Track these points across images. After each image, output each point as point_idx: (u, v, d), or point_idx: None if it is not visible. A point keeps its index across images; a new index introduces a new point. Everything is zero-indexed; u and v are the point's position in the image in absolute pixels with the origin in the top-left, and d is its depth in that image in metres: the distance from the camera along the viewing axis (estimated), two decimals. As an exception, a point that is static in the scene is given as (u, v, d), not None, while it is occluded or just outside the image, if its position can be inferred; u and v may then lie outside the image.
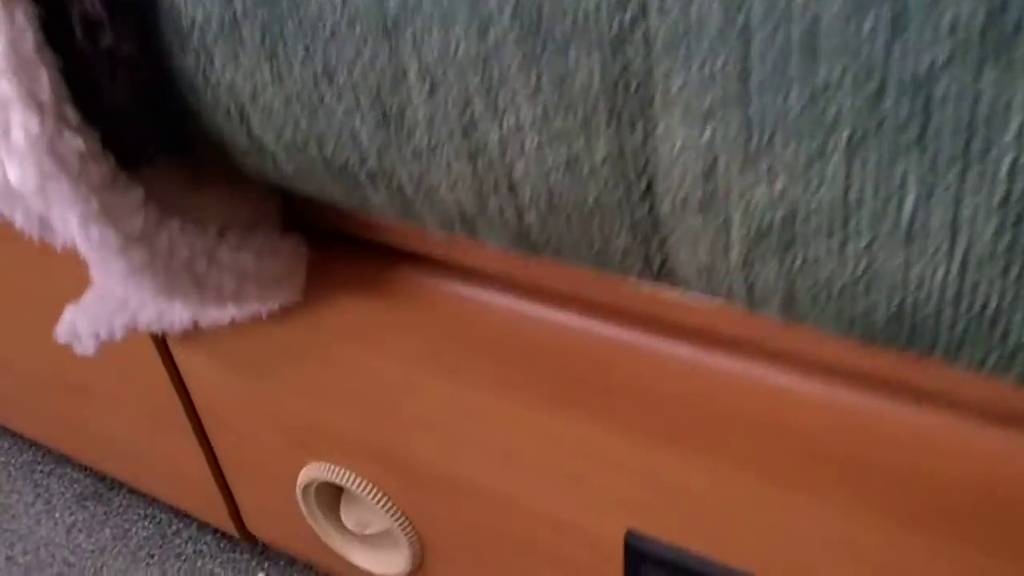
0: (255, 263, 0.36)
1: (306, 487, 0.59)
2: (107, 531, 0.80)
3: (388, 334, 0.45)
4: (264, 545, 0.77)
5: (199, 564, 0.76)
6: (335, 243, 0.43)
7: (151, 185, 0.31)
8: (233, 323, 0.47)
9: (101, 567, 0.77)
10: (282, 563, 0.75)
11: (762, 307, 0.24)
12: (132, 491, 0.84)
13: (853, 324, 0.23)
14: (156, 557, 0.77)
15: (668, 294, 0.34)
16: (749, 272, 0.23)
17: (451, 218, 0.28)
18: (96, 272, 0.38)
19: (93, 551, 0.78)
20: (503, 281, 0.40)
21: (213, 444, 0.64)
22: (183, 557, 0.77)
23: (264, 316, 0.43)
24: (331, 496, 0.61)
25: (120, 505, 0.83)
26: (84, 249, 0.29)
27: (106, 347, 0.51)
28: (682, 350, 0.36)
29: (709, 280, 0.25)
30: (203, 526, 0.79)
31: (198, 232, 0.33)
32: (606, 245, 0.25)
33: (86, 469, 0.87)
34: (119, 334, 0.47)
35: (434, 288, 0.42)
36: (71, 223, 0.28)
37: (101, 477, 0.86)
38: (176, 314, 0.45)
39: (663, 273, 0.25)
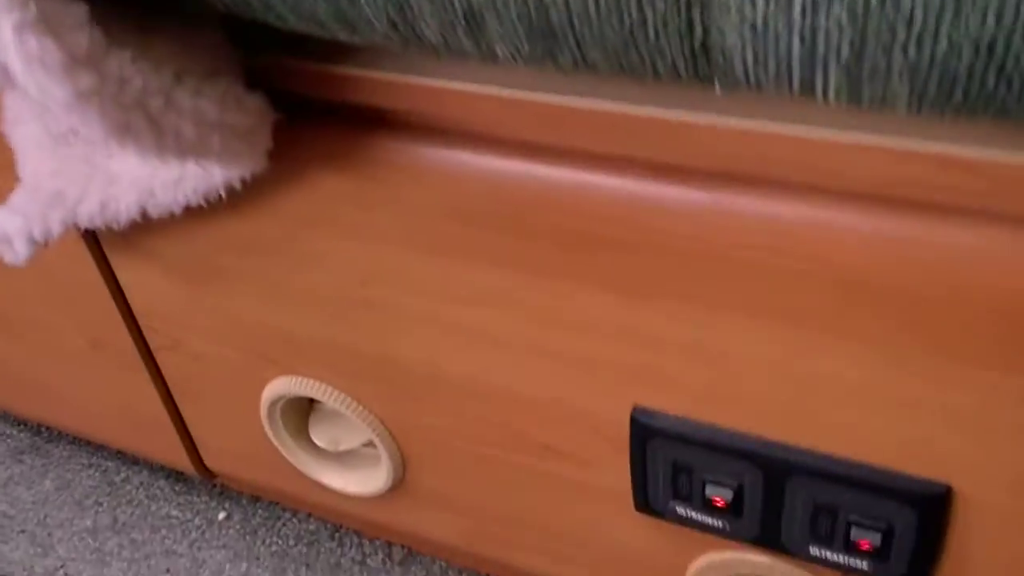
0: (218, 112, 0.32)
1: (272, 406, 0.55)
2: (47, 483, 0.75)
3: (359, 214, 0.41)
4: (223, 486, 0.73)
5: (153, 508, 0.72)
6: (300, 114, 0.40)
7: (99, 19, 0.27)
8: (185, 214, 0.43)
9: (44, 517, 0.72)
10: (244, 502, 0.71)
11: (821, 71, 0.22)
12: (74, 441, 0.79)
13: (930, 74, 0.21)
14: (104, 505, 0.73)
15: (696, 97, 0.31)
16: (813, 21, 0.20)
17: (454, 17, 0.25)
18: (36, 124, 0.34)
19: (34, 503, 0.73)
20: (486, 140, 0.37)
21: (163, 370, 0.60)
22: (134, 503, 0.73)
23: (222, 194, 0.39)
24: (299, 416, 0.57)
25: (61, 457, 0.78)
26: (22, 74, 0.25)
27: (34, 269, 0.46)
28: (692, 195, 0.34)
29: (759, 45, 0.22)
30: (155, 471, 0.75)
31: (152, 69, 0.29)
32: (641, 16, 0.22)
33: (20, 424, 0.81)
34: (56, 231, 0.42)
35: (409, 155, 0.39)
36: (5, 33, 0.24)
37: (37, 431, 0.80)
38: (122, 201, 0.41)
39: (705, 47, 0.23)
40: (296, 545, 0.67)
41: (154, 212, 0.41)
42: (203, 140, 0.31)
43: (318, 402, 0.58)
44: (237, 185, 0.38)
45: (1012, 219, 0.29)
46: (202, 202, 0.40)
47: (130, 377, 0.61)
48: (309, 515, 0.69)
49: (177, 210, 0.41)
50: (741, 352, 0.36)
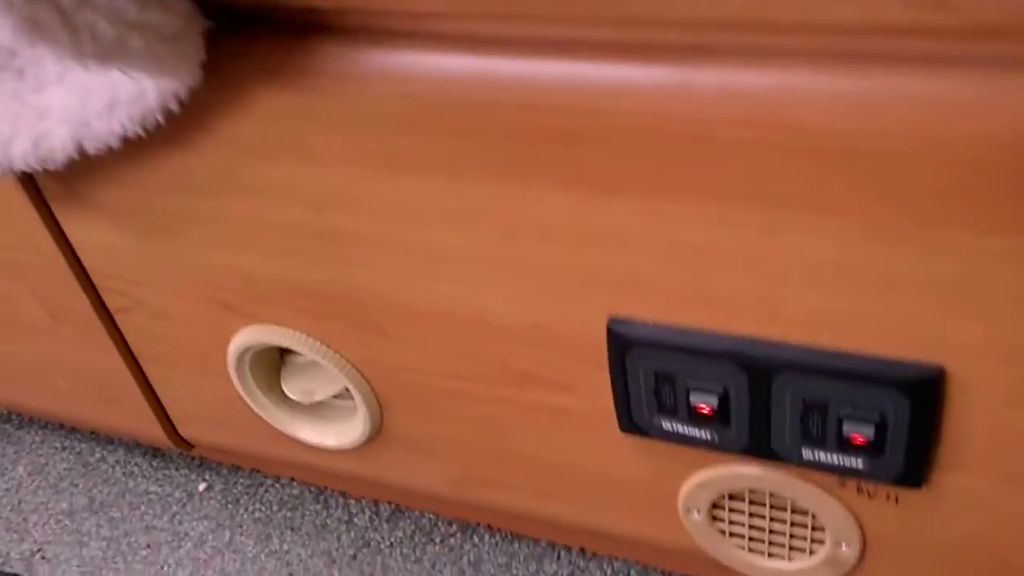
0: (137, 10, 0.30)
1: (239, 360, 0.53)
2: (20, 469, 0.74)
3: (305, 132, 0.40)
4: (202, 457, 0.71)
5: (131, 485, 0.70)
6: (233, 24, 0.38)
7: None
8: (126, 154, 0.42)
9: (19, 503, 0.70)
10: (224, 472, 0.70)
11: None
12: (46, 426, 0.77)
13: None
14: (80, 486, 0.71)
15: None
16: None
17: None
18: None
19: (8, 489, 0.72)
20: (431, 37, 0.36)
21: (126, 335, 0.58)
22: (112, 481, 0.71)
23: (159, 119, 0.38)
24: (269, 370, 0.56)
25: (32, 443, 0.76)
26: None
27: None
28: (651, 73, 0.33)
29: None
30: (132, 449, 0.73)
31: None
32: None
33: (-13, 410, 0.79)
34: (-10, 175, 0.40)
35: (351, 61, 0.37)
36: None
37: (7, 418, 0.79)
38: (55, 136, 0.39)
39: None
40: (280, 511, 0.66)
41: (91, 147, 0.39)
42: (123, 41, 0.30)
43: (289, 355, 0.56)
44: (173, 106, 0.37)
45: (985, 61, 0.28)
46: (139, 130, 0.38)
47: (94, 346, 0.59)
48: (292, 480, 0.68)
49: (114, 143, 0.39)
50: (715, 244, 0.35)
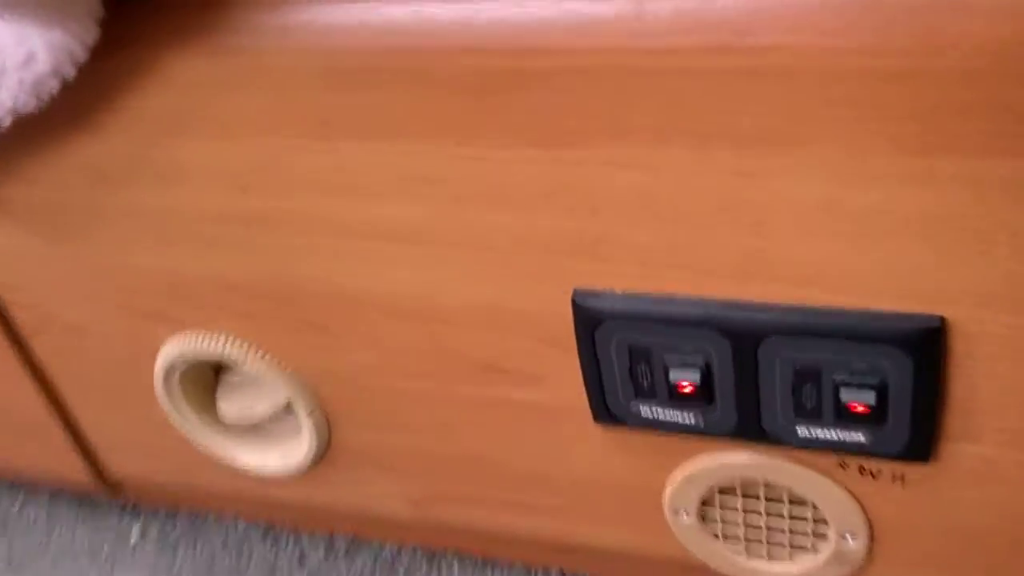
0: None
1: (168, 376, 0.50)
2: (-70, 526, 0.69)
3: (224, 101, 0.37)
4: (135, 502, 0.67)
5: (55, 537, 0.66)
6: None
7: None
8: (23, 141, 0.39)
9: (-74, 563, 0.66)
10: (160, 516, 0.66)
11: None
12: (-43, 478, 0.72)
13: None
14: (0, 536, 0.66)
15: None
16: None
17: None
18: None
19: (-87, 549, 0.67)
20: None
21: (39, 359, 0.55)
22: (33, 533, 0.67)
23: (54, 92, 0.35)
24: (203, 390, 0.53)
25: (-56, 497, 0.71)
26: None
27: None
28: (607, 4, 0.31)
29: None
30: (56, 496, 0.69)
31: None
32: None
33: None
34: None
35: (277, 17, 0.35)
36: None
37: (-85, 472, 0.74)
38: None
39: None
40: (224, 554, 0.62)
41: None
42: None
43: (224, 373, 0.53)
44: (68, 71, 0.34)
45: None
46: (33, 102, 0.35)
47: (4, 376, 0.56)
48: (236, 519, 0.64)
49: (5, 120, 0.36)
50: (687, 194, 0.33)
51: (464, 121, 0.34)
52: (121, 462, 0.60)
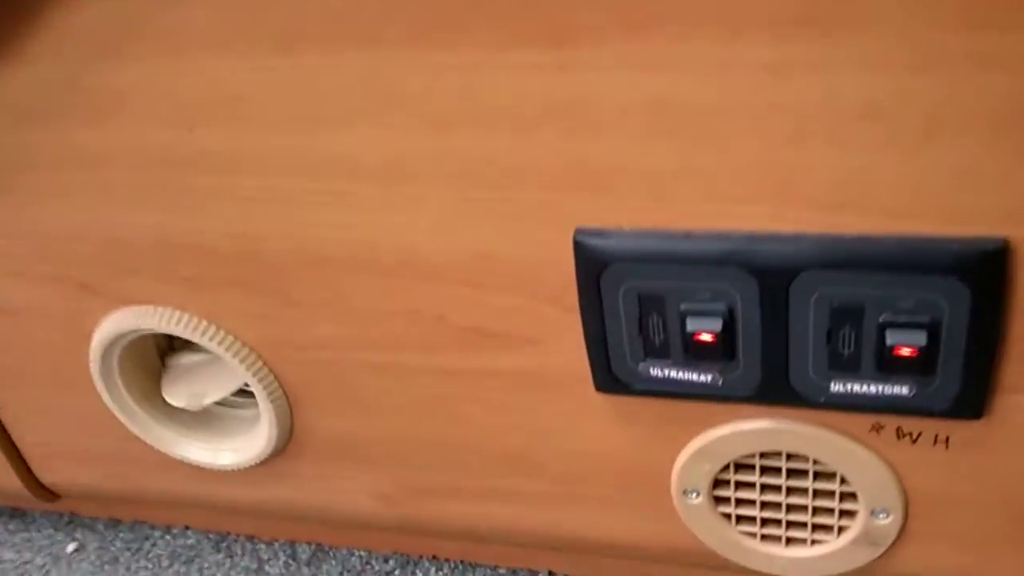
0: None
1: (106, 357, 0.44)
2: None
3: (174, 19, 0.32)
4: (72, 513, 0.60)
5: (-19, 554, 0.59)
6: None
7: None
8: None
9: None
10: (100, 527, 0.59)
11: None
12: None
13: None
14: (-85, 561, 0.59)
15: None
16: None
17: None
18: None
19: None
20: None
21: (-40, 347, 0.48)
22: (-45, 552, 0.59)
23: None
24: (146, 375, 0.47)
25: None
26: None
27: None
28: None
29: None
30: (-18, 512, 0.62)
31: None
32: None
33: None
34: None
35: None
36: None
37: None
38: None
39: None
40: (172, 567, 0.56)
41: None
42: None
43: (170, 356, 0.47)
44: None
45: None
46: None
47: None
48: (186, 528, 0.58)
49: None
50: (708, 100, 0.29)
51: (446, 21, 0.29)
52: (55, 466, 0.53)
